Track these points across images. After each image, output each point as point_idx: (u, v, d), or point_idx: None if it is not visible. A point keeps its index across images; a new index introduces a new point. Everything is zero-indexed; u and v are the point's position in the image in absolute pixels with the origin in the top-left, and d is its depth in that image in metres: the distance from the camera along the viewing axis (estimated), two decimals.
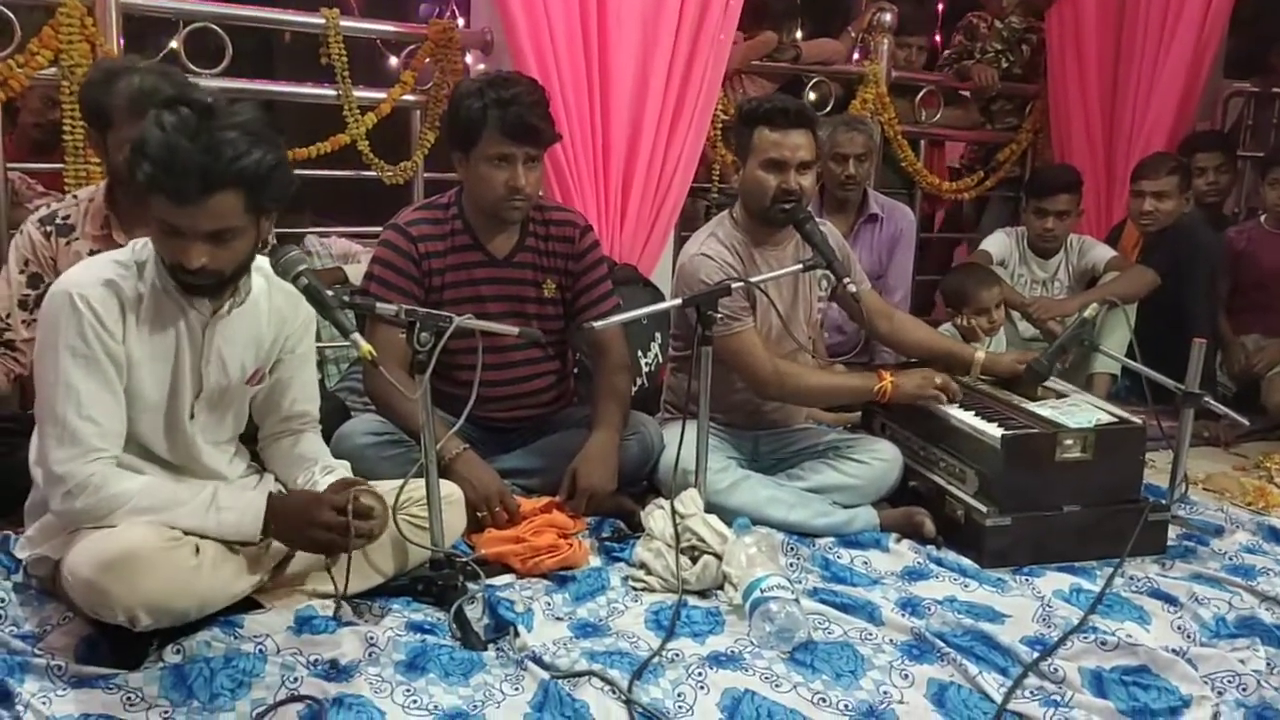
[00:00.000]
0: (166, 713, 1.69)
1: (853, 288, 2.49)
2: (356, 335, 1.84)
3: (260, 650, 1.83)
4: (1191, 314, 3.54)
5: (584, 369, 2.94)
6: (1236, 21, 4.47)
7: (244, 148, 1.74)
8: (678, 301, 2.44)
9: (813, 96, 4.11)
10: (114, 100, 2.28)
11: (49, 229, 2.41)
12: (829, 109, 4.09)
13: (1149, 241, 3.78)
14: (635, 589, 2.25)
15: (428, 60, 3.38)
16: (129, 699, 1.71)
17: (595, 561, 2.37)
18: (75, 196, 2.48)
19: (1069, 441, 2.44)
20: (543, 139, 2.48)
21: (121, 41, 2.97)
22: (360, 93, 3.31)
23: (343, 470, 2.11)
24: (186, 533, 1.85)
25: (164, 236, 1.79)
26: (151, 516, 1.82)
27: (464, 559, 2.18)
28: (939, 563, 2.43)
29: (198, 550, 1.85)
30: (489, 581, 2.19)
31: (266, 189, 1.79)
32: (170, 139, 1.71)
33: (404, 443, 2.44)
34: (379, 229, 2.68)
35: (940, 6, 5.23)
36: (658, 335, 3.34)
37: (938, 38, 5.35)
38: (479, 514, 2.37)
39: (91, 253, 2.36)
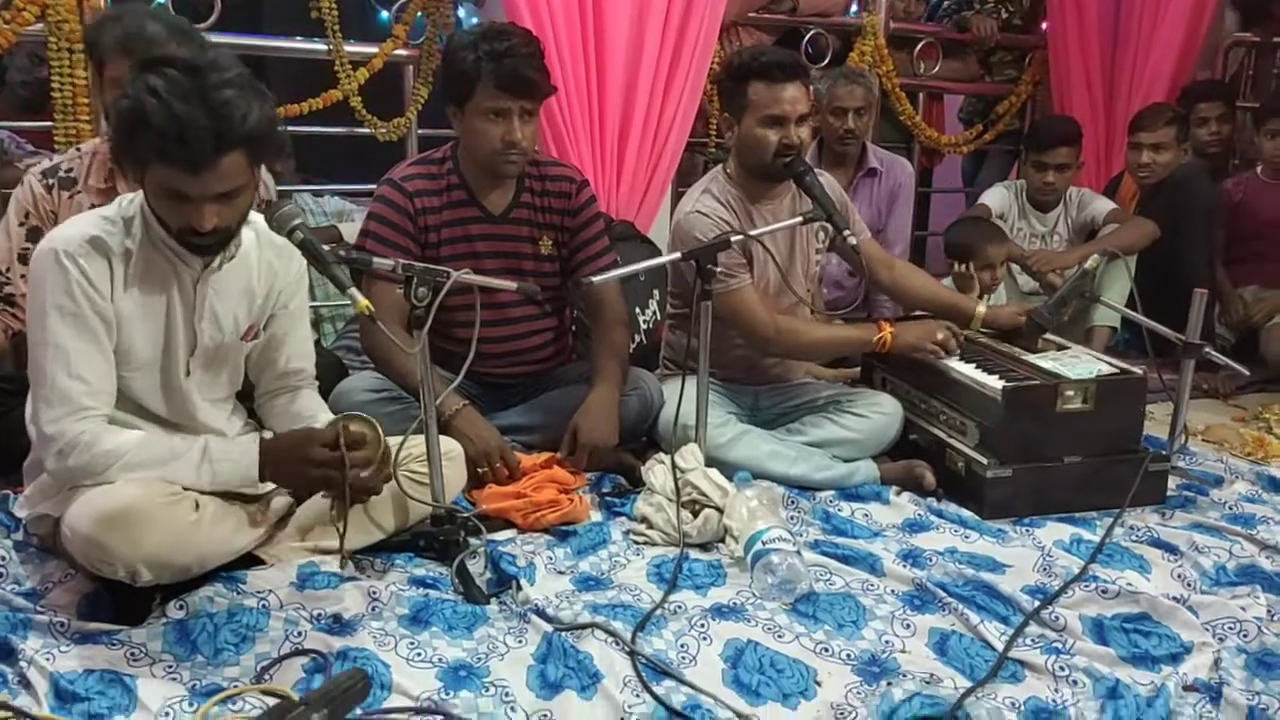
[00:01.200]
0: (171, 667, 1.69)
1: (852, 240, 2.47)
2: (354, 290, 1.82)
3: (263, 605, 1.83)
4: (1190, 265, 3.53)
5: (582, 326, 2.93)
6: None
7: (245, 106, 1.71)
8: (677, 255, 2.42)
9: (810, 49, 4.06)
10: (104, 38, 2.26)
11: (50, 181, 2.38)
12: (827, 61, 4.05)
13: (1147, 193, 3.76)
14: (637, 543, 2.25)
15: (419, 14, 3.33)
16: (133, 654, 1.71)
17: (596, 516, 2.37)
18: (79, 149, 2.45)
19: (1070, 392, 2.44)
20: (538, 91, 2.45)
21: None
22: (351, 48, 3.27)
23: None
24: (185, 488, 1.84)
25: (171, 202, 1.75)
26: (146, 473, 1.81)
27: (465, 514, 2.18)
28: (940, 515, 2.44)
29: (197, 505, 1.84)
30: (490, 537, 2.19)
31: (267, 143, 1.77)
32: (174, 108, 1.66)
33: (402, 399, 2.43)
34: (373, 186, 2.65)
35: None
36: (655, 293, 3.32)
37: None
38: (479, 470, 2.36)
39: (93, 206, 2.33)
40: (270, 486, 2.02)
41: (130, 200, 1.89)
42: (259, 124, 1.72)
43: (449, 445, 2.20)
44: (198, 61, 1.72)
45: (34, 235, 2.37)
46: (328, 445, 1.84)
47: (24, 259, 2.37)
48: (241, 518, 1.96)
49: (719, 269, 2.39)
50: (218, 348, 1.99)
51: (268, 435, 2.07)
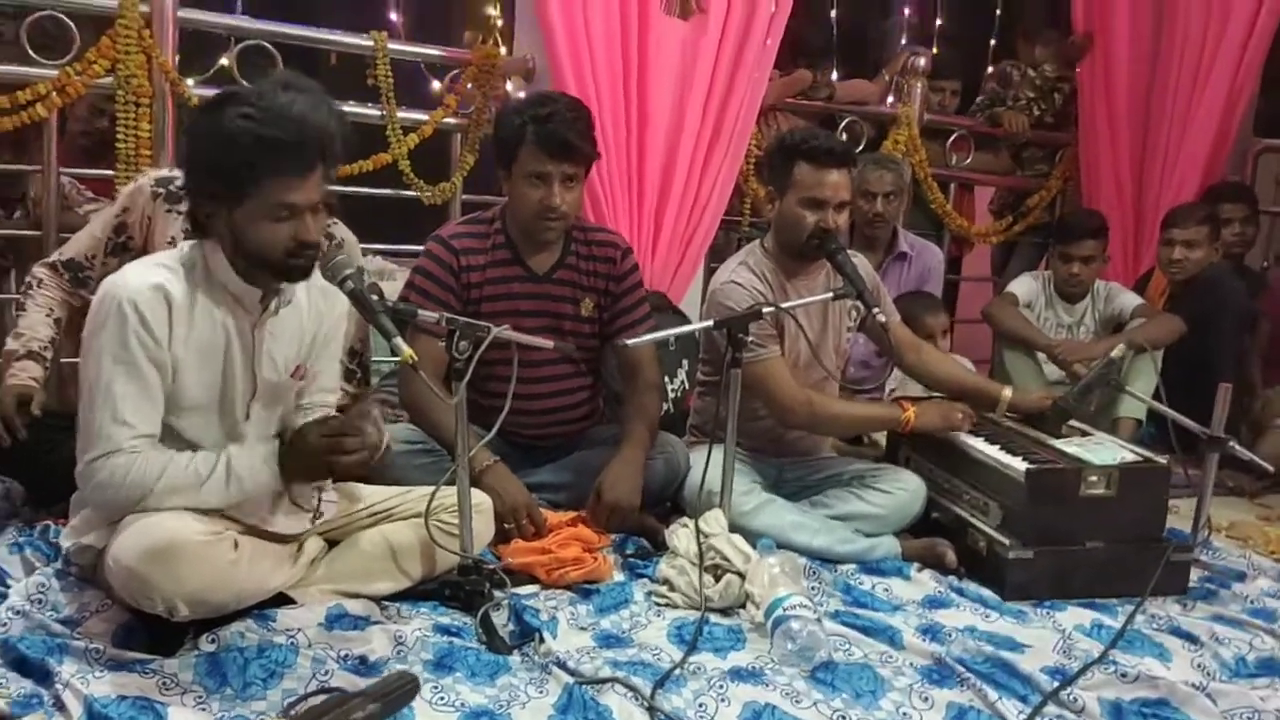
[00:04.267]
0: (201, 698, 1.73)
1: (882, 317, 2.53)
2: (399, 340, 1.89)
3: (292, 643, 1.87)
4: (1218, 363, 3.54)
5: (612, 390, 2.98)
6: (1267, 80, 4.53)
7: (329, 110, 1.85)
8: (710, 323, 2.49)
9: (845, 136, 4.17)
10: None
11: (160, 190, 2.47)
12: (861, 148, 4.15)
13: (1176, 290, 3.80)
14: (658, 604, 2.27)
15: (470, 85, 3.46)
16: (164, 683, 1.74)
17: (619, 576, 2.40)
18: None
19: (1093, 478, 2.47)
20: (579, 156, 2.52)
21: (176, 56, 3.06)
22: (403, 114, 3.39)
23: None
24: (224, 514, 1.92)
25: (276, 223, 1.84)
26: (183, 499, 1.86)
27: (491, 566, 2.21)
28: (960, 593, 2.45)
29: (236, 545, 1.89)
30: (514, 590, 2.22)
31: (337, 153, 1.89)
32: (280, 110, 1.78)
33: (436, 452, 2.48)
34: (415, 247, 2.74)
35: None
36: (684, 362, 3.38)
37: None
38: (506, 525, 2.40)
39: (186, 232, 2.42)
40: (303, 528, 2.08)
41: (190, 247, 1.96)
42: (341, 122, 1.87)
43: (479, 498, 2.25)
44: (278, 80, 1.85)
45: (120, 229, 2.48)
46: (326, 434, 1.92)
47: (108, 249, 2.48)
48: (277, 557, 2.02)
49: (750, 338, 2.45)
50: (274, 389, 2.05)
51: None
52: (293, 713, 1.61)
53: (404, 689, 1.21)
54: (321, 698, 1.72)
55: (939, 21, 5.56)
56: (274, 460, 1.94)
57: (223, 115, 1.80)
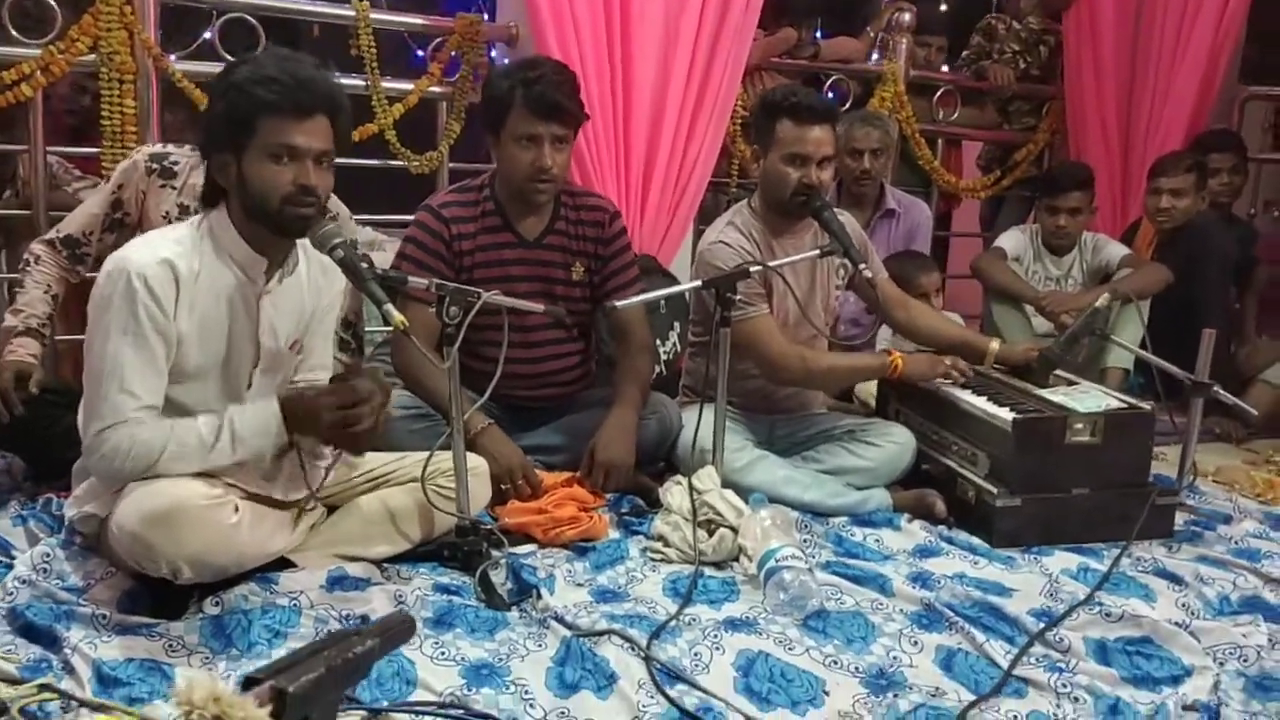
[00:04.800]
0: (207, 659, 1.78)
1: (868, 273, 2.56)
2: (389, 307, 1.92)
3: (295, 604, 1.92)
4: (1204, 311, 3.58)
5: (605, 356, 3.01)
6: (1254, 29, 4.53)
7: (331, 76, 1.97)
8: (698, 283, 2.52)
9: (831, 95, 4.17)
10: None
11: (154, 166, 2.53)
12: (848, 106, 4.16)
13: (1163, 239, 3.83)
14: (653, 560, 2.32)
15: (454, 53, 3.46)
16: (171, 646, 1.79)
17: (614, 534, 2.44)
18: (194, 148, 2.56)
19: (1079, 425, 2.50)
20: (569, 117, 2.55)
21: (158, 31, 3.06)
22: (388, 84, 3.39)
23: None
24: (225, 480, 1.96)
25: (278, 165, 1.91)
26: (190, 465, 1.90)
27: (488, 527, 2.25)
28: (950, 541, 2.50)
29: (237, 509, 1.93)
30: (512, 550, 2.26)
31: (345, 119, 1.98)
32: (284, 63, 1.90)
33: (430, 417, 2.52)
34: (404, 217, 2.76)
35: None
36: (676, 325, 3.41)
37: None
38: (503, 486, 2.44)
39: (180, 206, 2.47)
40: (302, 493, 2.12)
41: (198, 221, 2.01)
42: (342, 92, 1.98)
43: (474, 461, 2.28)
44: (282, 53, 1.99)
45: (116, 205, 2.53)
46: (339, 408, 1.96)
47: (105, 225, 2.53)
48: (277, 522, 2.06)
49: (738, 297, 2.48)
50: (275, 359, 2.08)
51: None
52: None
53: (402, 627, 1.26)
54: None
55: None
56: (277, 417, 1.97)
57: (233, 72, 1.93)
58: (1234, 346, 3.77)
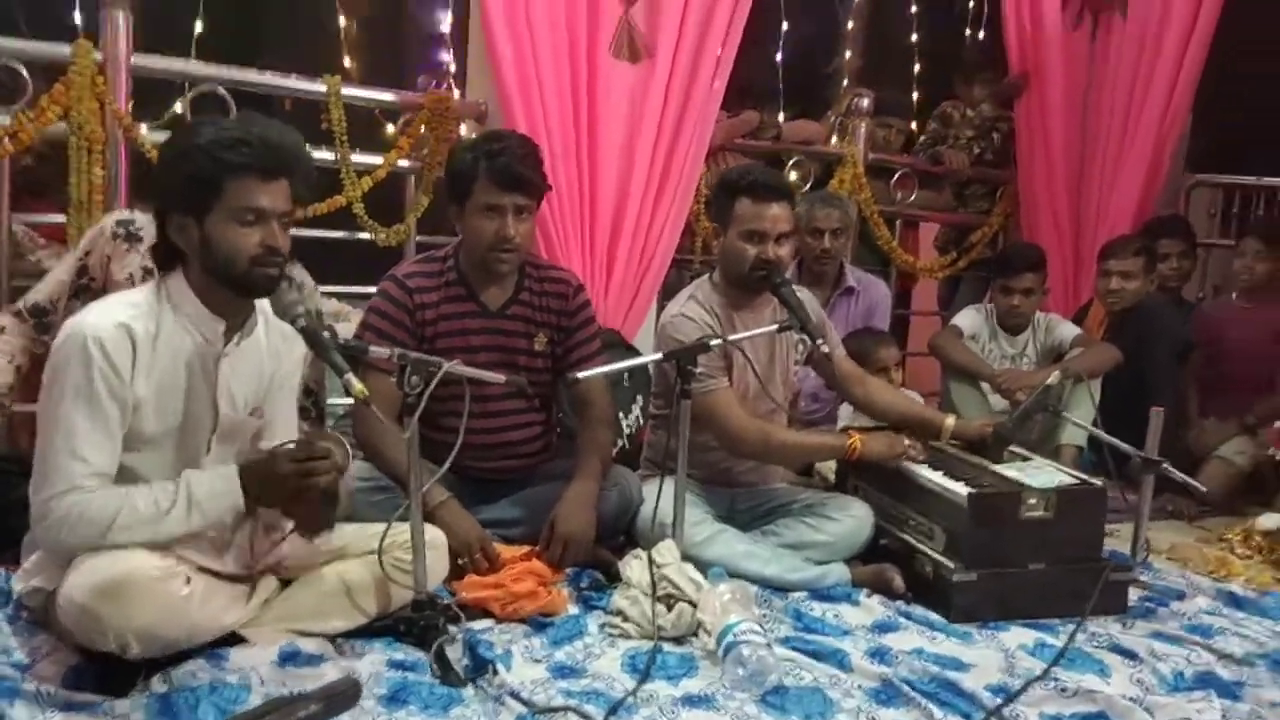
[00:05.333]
0: None
1: (825, 348, 2.60)
2: (350, 375, 1.91)
3: (244, 682, 1.88)
4: (1154, 391, 3.64)
5: (566, 426, 3.02)
6: (1199, 118, 4.72)
7: (295, 135, 1.98)
8: (658, 356, 2.55)
9: (793, 175, 4.27)
10: None
11: (120, 230, 2.56)
12: (808, 187, 4.26)
13: (1114, 320, 3.92)
14: (612, 635, 2.30)
15: (423, 128, 3.51)
16: None
17: (573, 609, 2.43)
18: None
19: (1032, 500, 2.54)
20: (531, 188, 2.60)
21: (130, 102, 3.09)
22: (357, 157, 3.43)
23: None
24: (177, 553, 1.92)
25: (242, 228, 1.91)
26: (142, 534, 1.87)
27: (445, 601, 2.23)
28: (908, 616, 2.50)
29: (189, 581, 1.91)
30: (468, 624, 2.24)
31: (304, 176, 1.99)
32: (248, 126, 1.91)
33: (389, 489, 2.51)
34: (370, 289, 2.78)
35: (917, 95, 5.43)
36: (639, 398, 3.43)
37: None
38: (460, 561, 2.42)
39: (144, 269, 2.48)
40: (259, 567, 2.10)
41: (155, 284, 2.00)
42: (308, 155, 2.01)
43: (433, 534, 2.26)
44: (240, 114, 1.98)
45: (82, 271, 2.55)
46: (295, 460, 1.95)
47: (72, 291, 2.54)
48: (230, 596, 2.04)
49: (699, 370, 2.50)
50: (233, 425, 2.07)
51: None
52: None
53: (346, 693, 1.25)
54: None
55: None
56: (235, 481, 1.95)
57: (193, 133, 1.93)
58: (1179, 430, 3.83)
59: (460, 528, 2.45)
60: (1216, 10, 4.25)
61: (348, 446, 2.05)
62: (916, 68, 5.47)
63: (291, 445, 2.00)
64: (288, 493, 1.97)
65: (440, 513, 2.45)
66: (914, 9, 5.47)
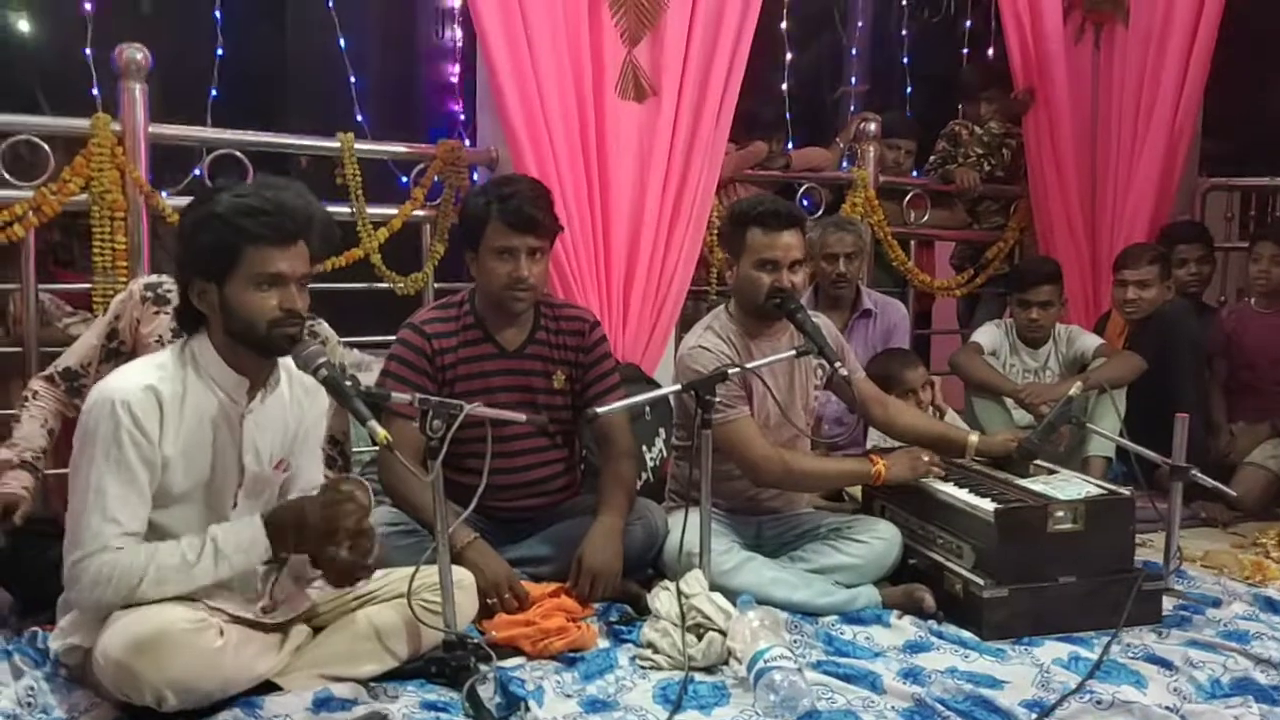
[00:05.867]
0: None
1: (844, 371, 2.61)
2: (373, 423, 1.95)
3: None
4: (1179, 398, 3.62)
5: (590, 463, 3.04)
6: (1213, 121, 4.72)
7: (311, 197, 2.03)
8: (678, 387, 2.57)
9: (805, 203, 4.29)
10: None
11: (149, 294, 2.61)
12: (820, 213, 4.28)
13: (1134, 329, 3.90)
14: (643, 667, 2.31)
15: (436, 178, 3.57)
16: None
17: (603, 643, 2.43)
18: None
19: (1060, 513, 2.53)
20: (542, 229, 2.64)
21: (149, 170, 3.17)
22: (373, 209, 3.50)
23: None
24: (209, 604, 1.95)
25: (261, 293, 1.96)
26: (173, 588, 1.91)
27: (476, 641, 2.25)
28: (940, 636, 2.49)
29: (221, 632, 1.94)
30: (500, 664, 2.25)
31: (319, 236, 2.03)
32: (264, 193, 1.96)
33: (417, 533, 2.53)
34: (391, 338, 2.82)
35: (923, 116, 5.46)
36: (661, 431, 3.44)
37: None
38: (489, 601, 2.44)
39: (173, 331, 2.52)
40: (291, 615, 2.13)
41: (179, 346, 2.06)
42: (323, 213, 2.05)
43: (461, 574, 2.29)
44: (257, 179, 2.02)
45: (112, 335, 2.60)
46: (320, 503, 2.00)
47: (103, 356, 2.59)
48: (263, 645, 2.06)
49: (718, 400, 2.52)
50: (258, 479, 2.11)
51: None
52: None
53: None
54: None
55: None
56: (260, 530, 2.00)
57: (211, 201, 1.98)
58: (1208, 438, 3.80)
59: (489, 567, 2.47)
60: (1219, 12, 4.26)
61: (369, 488, 2.08)
62: (921, 89, 5.48)
63: (315, 492, 2.04)
64: (316, 536, 2.01)
65: (468, 553, 2.47)
66: (915, 31, 5.50)
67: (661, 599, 2.45)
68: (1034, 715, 2.03)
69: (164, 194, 3.18)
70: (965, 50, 5.29)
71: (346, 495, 2.01)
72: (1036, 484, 2.69)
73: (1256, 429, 3.83)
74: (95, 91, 3.38)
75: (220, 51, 3.62)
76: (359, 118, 3.87)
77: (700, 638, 2.32)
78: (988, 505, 2.55)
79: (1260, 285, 4.01)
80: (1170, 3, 4.29)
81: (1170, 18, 4.30)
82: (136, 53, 3.06)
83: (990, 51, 5.18)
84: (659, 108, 3.53)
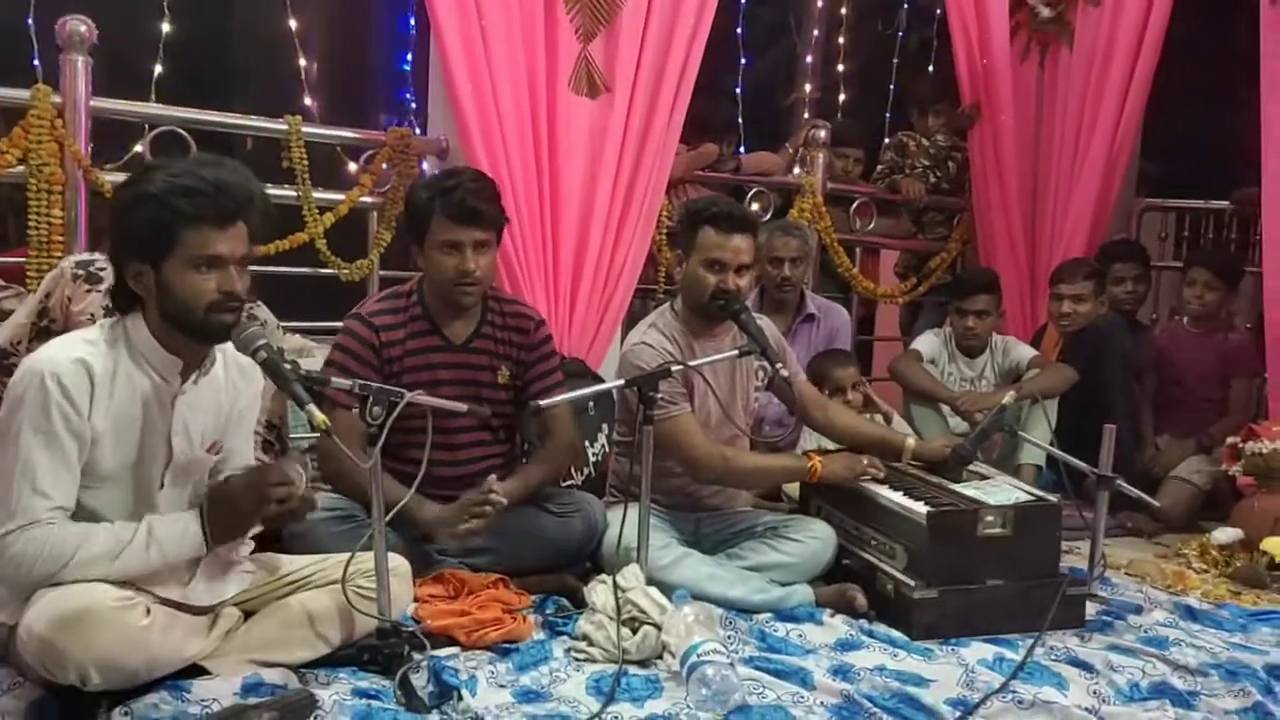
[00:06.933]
0: None
1: (785, 372, 2.64)
2: (312, 406, 1.93)
3: (207, 712, 1.88)
4: (1109, 410, 3.71)
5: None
6: (1153, 143, 4.85)
7: (248, 175, 1.97)
8: (620, 382, 2.58)
9: (754, 206, 4.33)
10: None
11: (80, 272, 2.55)
12: (768, 217, 4.32)
13: (1068, 342, 3.99)
14: (577, 659, 2.32)
15: (385, 165, 3.55)
16: None
17: (539, 635, 2.44)
18: None
19: (990, 517, 2.59)
20: (487, 221, 2.63)
21: (89, 144, 3.11)
22: (319, 194, 3.46)
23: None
24: (137, 585, 1.93)
25: (200, 274, 1.92)
26: (99, 567, 1.88)
27: (409, 629, 2.24)
28: (870, 635, 2.53)
29: (148, 611, 1.91)
30: (433, 652, 2.24)
31: (259, 214, 1.99)
32: (203, 172, 1.90)
33: (354, 518, 2.52)
34: (334, 324, 2.80)
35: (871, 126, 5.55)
36: (605, 426, 3.45)
37: None
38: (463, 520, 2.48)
39: (105, 309, 2.48)
40: (221, 598, 2.10)
41: (111, 323, 2.01)
42: (263, 193, 1.99)
43: (396, 561, 2.27)
44: (194, 158, 1.96)
45: (44, 314, 2.54)
46: (252, 486, 1.98)
47: (33, 333, 2.53)
48: (191, 627, 2.04)
49: (660, 396, 2.54)
50: (189, 462, 2.08)
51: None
52: None
53: (301, 703, 1.25)
54: None
55: (841, 97, 5.85)
56: (196, 522, 1.98)
57: (146, 180, 1.93)
58: (1136, 448, 3.91)
59: (432, 512, 2.51)
60: (1160, 39, 4.37)
61: (307, 463, 2.06)
62: (871, 100, 5.57)
63: (250, 468, 2.02)
64: (247, 519, 2.00)
65: (416, 514, 2.49)
66: (866, 43, 5.58)
67: (598, 592, 2.46)
68: (958, 714, 2.07)
69: (103, 170, 3.12)
70: (914, 64, 5.37)
71: (279, 478, 1.98)
72: (969, 489, 2.74)
73: (1183, 444, 3.94)
74: (36, 63, 3.31)
75: (166, 27, 3.56)
76: (307, 100, 3.83)
77: (635, 631, 2.34)
78: (920, 508, 2.60)
79: (1193, 309, 4.12)
80: (1113, 26, 4.41)
81: (1113, 41, 4.41)
82: (80, 25, 2.99)
83: (930, 68, 5.28)
84: (612, 104, 3.54)
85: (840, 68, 5.54)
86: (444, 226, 2.60)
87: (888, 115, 5.57)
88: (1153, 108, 4.57)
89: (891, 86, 5.67)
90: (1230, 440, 3.56)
